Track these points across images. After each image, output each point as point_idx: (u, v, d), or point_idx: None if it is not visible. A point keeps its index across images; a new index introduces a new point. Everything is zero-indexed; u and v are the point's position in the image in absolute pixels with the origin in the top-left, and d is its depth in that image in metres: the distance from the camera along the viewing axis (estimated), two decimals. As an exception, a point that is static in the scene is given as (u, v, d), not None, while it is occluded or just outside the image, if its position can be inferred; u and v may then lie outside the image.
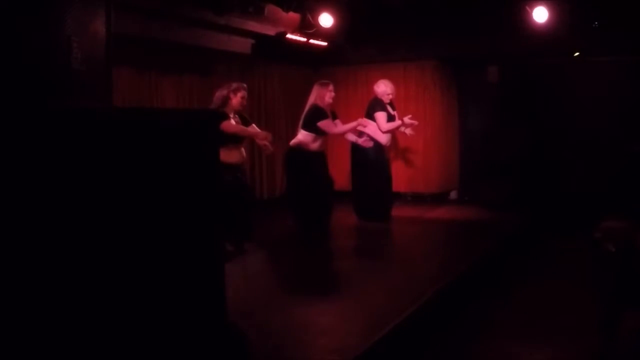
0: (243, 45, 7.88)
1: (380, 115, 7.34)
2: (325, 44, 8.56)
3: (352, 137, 7.31)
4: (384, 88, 7.50)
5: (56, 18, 3.19)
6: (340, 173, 8.26)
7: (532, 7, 7.45)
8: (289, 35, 7.96)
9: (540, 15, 7.44)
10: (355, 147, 7.56)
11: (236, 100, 5.82)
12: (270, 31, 7.85)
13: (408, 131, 7.70)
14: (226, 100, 5.79)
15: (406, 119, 7.50)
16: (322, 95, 6.58)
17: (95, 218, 2.48)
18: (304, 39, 8.19)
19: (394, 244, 6.93)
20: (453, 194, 9.72)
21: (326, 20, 7.97)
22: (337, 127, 6.67)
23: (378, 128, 7.39)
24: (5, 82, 2.91)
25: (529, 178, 9.01)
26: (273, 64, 8.99)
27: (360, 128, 7.46)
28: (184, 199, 2.77)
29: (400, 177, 9.12)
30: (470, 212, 8.40)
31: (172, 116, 3.13)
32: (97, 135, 2.51)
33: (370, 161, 7.43)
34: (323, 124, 6.47)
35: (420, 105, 9.23)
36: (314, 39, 8.29)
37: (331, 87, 6.70)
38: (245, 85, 5.97)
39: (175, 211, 2.73)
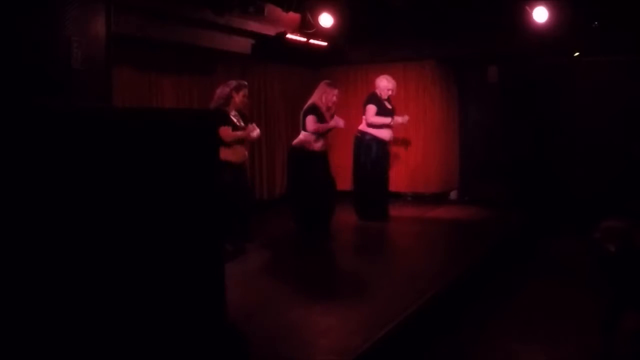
0: (243, 45, 7.87)
1: (369, 108, 7.41)
2: (325, 44, 8.56)
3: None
4: (385, 83, 7.53)
5: (56, 18, 3.19)
6: (342, 173, 8.25)
7: (532, 7, 7.45)
8: (289, 35, 7.96)
9: (540, 15, 7.44)
10: (358, 146, 7.53)
11: (238, 98, 5.78)
12: (270, 31, 7.85)
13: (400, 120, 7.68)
14: (228, 98, 5.76)
15: (398, 119, 7.56)
16: (326, 96, 6.54)
17: (95, 218, 2.47)
18: (304, 39, 8.18)
19: (394, 244, 6.93)
20: (453, 194, 9.71)
21: (326, 20, 7.98)
22: (316, 125, 6.45)
23: (365, 120, 7.42)
24: (5, 82, 2.91)
25: (529, 178, 9.01)
26: (273, 64, 8.98)
27: (361, 127, 7.49)
28: (184, 199, 2.77)
29: (400, 177, 9.12)
30: (470, 212, 8.39)
31: (172, 116, 3.13)
32: (97, 135, 2.51)
33: (373, 160, 7.42)
34: (308, 119, 6.43)
35: (420, 105, 9.23)
36: (314, 39, 8.29)
37: (337, 91, 6.67)
38: (246, 83, 5.94)
39: (175, 211, 2.73)
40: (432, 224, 7.76)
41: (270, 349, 3.50)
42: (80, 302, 2.44)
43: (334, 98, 6.62)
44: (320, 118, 6.51)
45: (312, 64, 9.44)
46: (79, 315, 2.43)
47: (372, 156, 7.43)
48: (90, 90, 3.41)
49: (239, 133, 5.74)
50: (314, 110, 6.51)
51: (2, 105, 2.47)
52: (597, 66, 8.73)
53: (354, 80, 9.68)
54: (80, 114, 2.60)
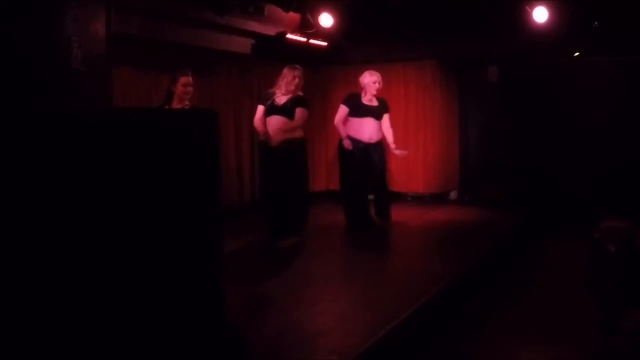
0: (243, 45, 7.88)
1: (339, 109, 7.05)
2: (325, 44, 8.56)
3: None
4: (369, 78, 7.05)
5: (56, 18, 3.19)
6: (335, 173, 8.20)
7: (532, 7, 7.45)
8: (289, 35, 7.96)
9: (540, 15, 7.44)
10: (339, 147, 7.09)
11: (179, 90, 5.34)
12: (270, 31, 7.86)
13: (398, 152, 7.22)
14: (170, 93, 5.37)
15: (396, 152, 7.13)
16: (295, 84, 6.33)
17: (94, 218, 2.47)
18: (304, 39, 8.19)
19: (393, 244, 6.93)
20: (453, 194, 9.71)
21: (326, 20, 7.98)
22: (257, 120, 6.31)
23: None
24: (4, 82, 2.91)
25: (529, 178, 9.01)
26: (273, 64, 8.97)
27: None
28: (183, 199, 2.76)
29: (401, 177, 9.13)
30: (470, 212, 8.39)
31: (172, 116, 3.13)
32: (97, 135, 2.51)
33: (351, 162, 6.95)
34: (301, 112, 6.25)
35: (420, 105, 9.22)
36: (314, 39, 8.30)
37: (298, 72, 6.35)
38: (187, 70, 5.44)
39: (174, 211, 2.73)
40: (432, 224, 7.76)
41: (270, 349, 3.50)
42: (78, 302, 2.44)
43: (297, 80, 6.34)
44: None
45: (312, 64, 9.44)
46: (77, 315, 2.43)
47: (351, 158, 6.90)
48: (90, 90, 3.41)
49: None
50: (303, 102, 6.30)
51: (1, 106, 2.47)
52: (597, 66, 8.73)
53: (354, 80, 9.60)
54: (80, 115, 2.60)
